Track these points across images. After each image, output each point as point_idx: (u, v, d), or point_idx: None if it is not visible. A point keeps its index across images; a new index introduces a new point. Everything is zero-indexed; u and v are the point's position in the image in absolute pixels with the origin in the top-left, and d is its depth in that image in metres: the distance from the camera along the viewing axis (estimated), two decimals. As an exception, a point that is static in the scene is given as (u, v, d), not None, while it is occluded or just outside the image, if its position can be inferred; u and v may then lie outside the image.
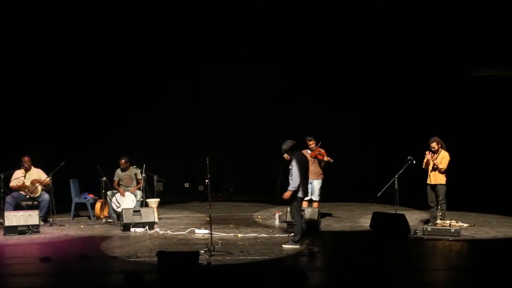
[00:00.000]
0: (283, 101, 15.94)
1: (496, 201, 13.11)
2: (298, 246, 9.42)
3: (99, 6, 14.60)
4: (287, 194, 9.49)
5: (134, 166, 12.45)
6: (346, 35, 15.23)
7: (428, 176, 10.99)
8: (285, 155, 10.03)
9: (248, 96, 15.93)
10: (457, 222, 10.85)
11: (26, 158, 11.85)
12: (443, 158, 10.86)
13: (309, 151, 11.86)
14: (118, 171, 12.44)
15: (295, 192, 9.46)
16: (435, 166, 10.85)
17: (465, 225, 10.98)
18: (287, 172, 9.74)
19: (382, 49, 15.22)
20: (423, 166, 11.03)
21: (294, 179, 9.43)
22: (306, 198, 11.82)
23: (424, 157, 11.01)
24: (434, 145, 10.93)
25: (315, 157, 11.78)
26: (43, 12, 14.18)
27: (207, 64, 15.71)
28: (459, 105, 15.07)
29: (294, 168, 9.49)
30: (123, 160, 12.39)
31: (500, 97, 14.87)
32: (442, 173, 10.82)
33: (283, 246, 9.50)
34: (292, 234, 9.75)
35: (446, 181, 10.86)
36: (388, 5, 14.74)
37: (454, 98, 15.10)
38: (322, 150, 11.81)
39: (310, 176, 11.74)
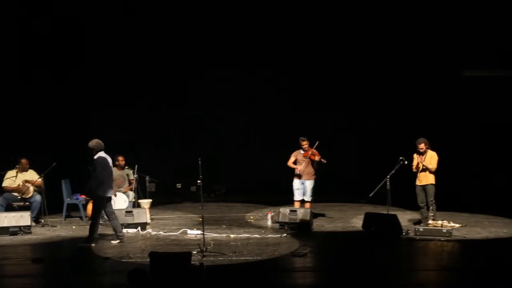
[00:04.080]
0: (276, 102, 15.97)
1: (487, 202, 13.18)
2: (122, 241, 9.83)
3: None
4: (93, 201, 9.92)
5: (127, 167, 12.43)
6: (339, 38, 15.26)
7: (417, 178, 11.03)
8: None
9: (241, 97, 15.91)
10: (448, 223, 10.89)
11: (24, 160, 11.81)
12: (432, 158, 10.90)
13: (301, 151, 11.90)
14: (110, 171, 12.42)
15: (101, 192, 9.75)
16: (424, 168, 10.89)
17: (457, 225, 11.02)
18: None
19: (373, 49, 15.26)
20: (413, 170, 11.06)
21: (98, 179, 9.69)
22: (298, 199, 11.92)
23: (412, 160, 11.05)
24: (422, 146, 10.96)
25: (308, 158, 11.80)
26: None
27: (203, 66, 15.68)
28: (449, 105, 15.14)
29: (98, 168, 9.75)
30: (121, 157, 12.39)
31: (489, 98, 14.96)
32: (432, 173, 10.86)
33: (111, 242, 9.83)
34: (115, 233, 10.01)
35: (436, 181, 10.91)
36: (379, 6, 14.78)
37: (444, 98, 15.18)
38: (315, 151, 11.82)
39: (303, 177, 11.83)
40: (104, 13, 14.53)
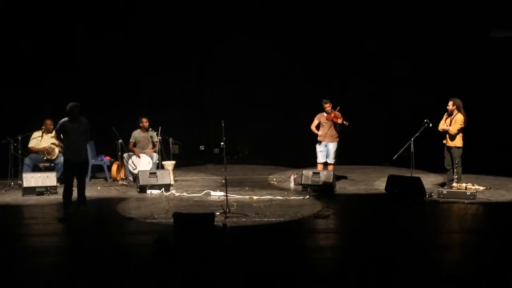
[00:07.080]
0: (297, 65, 15.84)
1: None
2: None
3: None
4: None
5: (150, 129, 12.49)
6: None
7: (446, 137, 10.90)
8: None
9: (263, 60, 15.80)
10: (473, 185, 10.82)
11: (48, 122, 11.90)
12: (455, 122, 10.74)
13: (325, 114, 11.86)
14: (135, 133, 12.49)
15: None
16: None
17: (481, 188, 10.96)
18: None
19: (398, 11, 15.03)
20: (439, 128, 10.92)
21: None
22: (321, 161, 11.92)
23: (440, 120, 10.95)
24: (449, 104, 10.83)
25: (331, 120, 11.76)
26: None
27: (225, 32, 15.61)
28: (478, 67, 14.86)
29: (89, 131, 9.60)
30: (145, 119, 12.45)
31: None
32: (455, 135, 10.71)
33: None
34: None
35: (463, 144, 10.77)
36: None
37: (473, 60, 14.88)
38: (338, 113, 11.78)
39: (326, 139, 11.81)
40: None
